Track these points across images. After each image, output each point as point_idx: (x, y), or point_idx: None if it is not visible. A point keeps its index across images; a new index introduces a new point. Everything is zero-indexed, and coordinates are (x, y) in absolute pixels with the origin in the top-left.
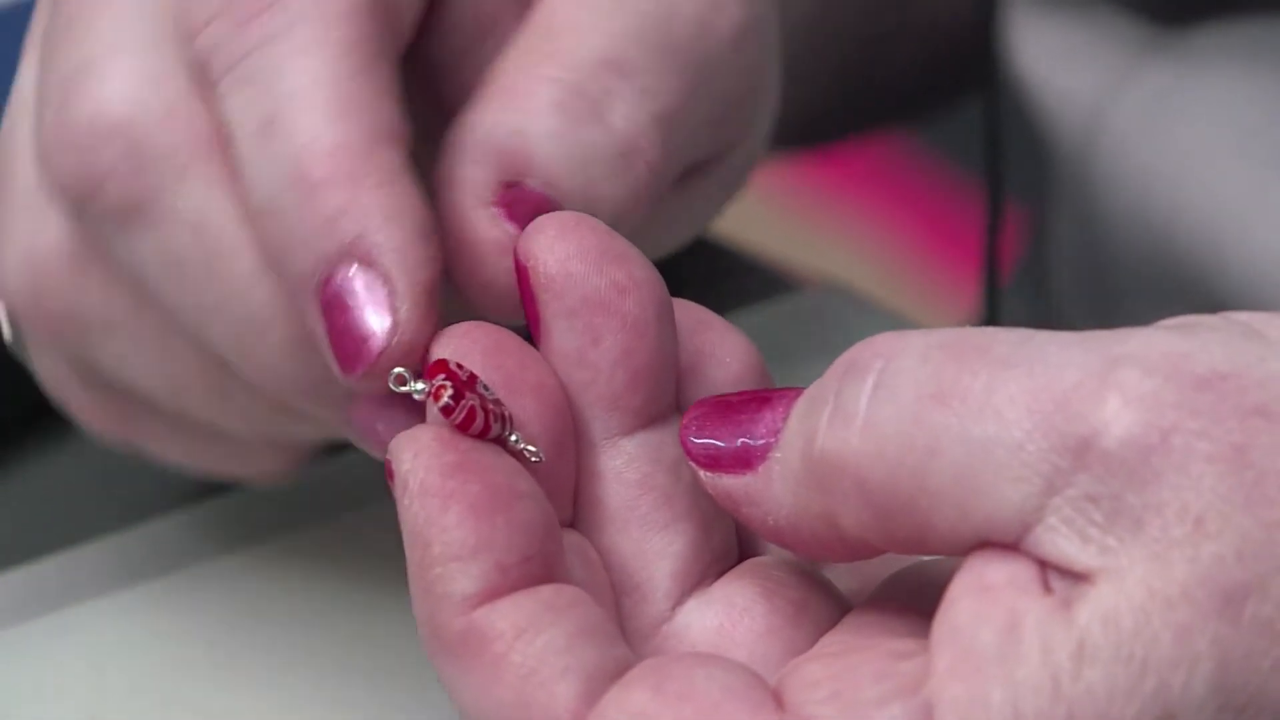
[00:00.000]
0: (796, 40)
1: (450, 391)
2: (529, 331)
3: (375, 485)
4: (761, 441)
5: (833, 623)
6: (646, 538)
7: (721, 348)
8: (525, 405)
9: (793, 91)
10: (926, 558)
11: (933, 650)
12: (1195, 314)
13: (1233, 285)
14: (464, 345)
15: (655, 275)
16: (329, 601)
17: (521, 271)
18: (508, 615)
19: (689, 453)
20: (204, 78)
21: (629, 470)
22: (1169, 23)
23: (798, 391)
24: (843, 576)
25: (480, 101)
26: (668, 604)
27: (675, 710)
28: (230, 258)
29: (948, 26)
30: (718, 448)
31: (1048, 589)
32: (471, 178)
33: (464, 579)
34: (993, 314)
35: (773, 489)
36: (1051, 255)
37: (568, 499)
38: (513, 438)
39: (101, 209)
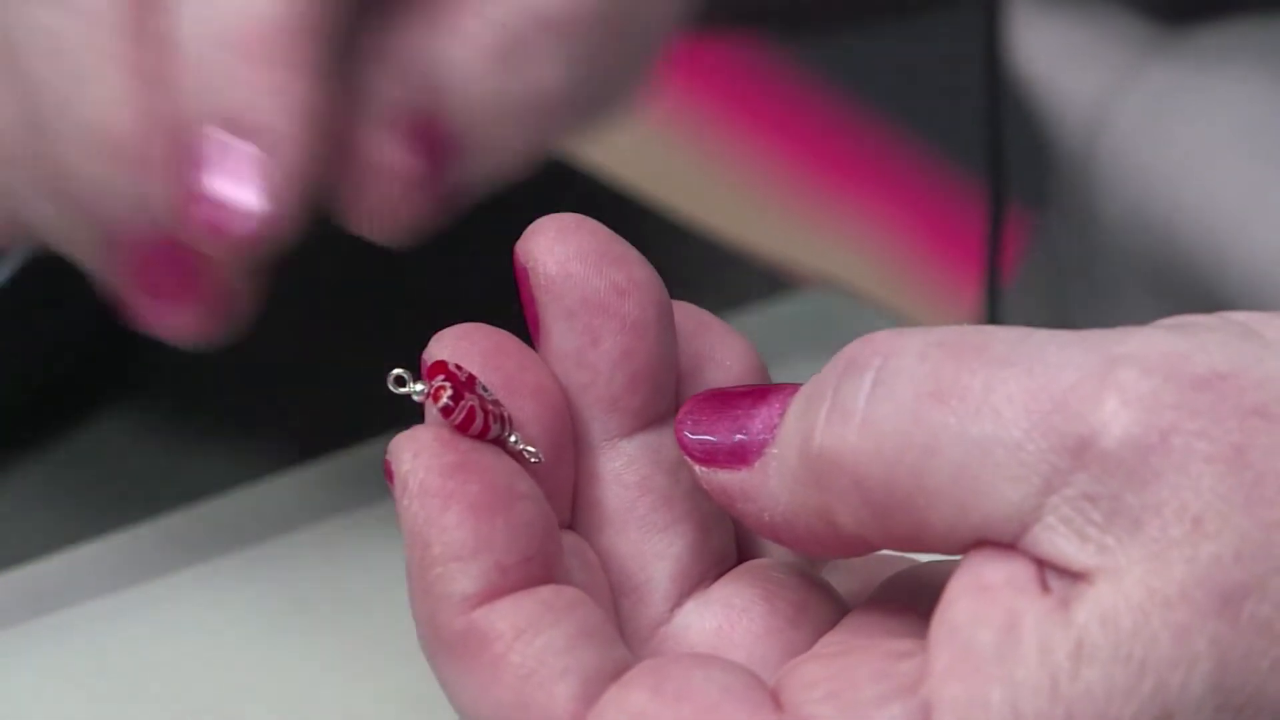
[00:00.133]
0: None
1: (449, 392)
2: (528, 333)
3: (375, 485)
4: (758, 437)
5: (831, 624)
6: (645, 539)
7: (721, 349)
8: (524, 406)
9: None
10: (925, 559)
11: (931, 650)
12: (1195, 311)
13: (1234, 285)
14: (463, 347)
15: (655, 277)
16: (329, 601)
17: (521, 273)
18: (507, 616)
19: (684, 447)
20: None
21: (628, 472)
22: (1171, 22)
23: (794, 388)
24: (841, 578)
25: (414, 12)
26: (666, 605)
27: (674, 711)
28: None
29: None
30: (713, 443)
31: (1046, 589)
32: (386, 95)
33: (464, 579)
34: (993, 313)
35: (769, 485)
36: (1052, 254)
37: (567, 500)
38: (512, 439)
39: None
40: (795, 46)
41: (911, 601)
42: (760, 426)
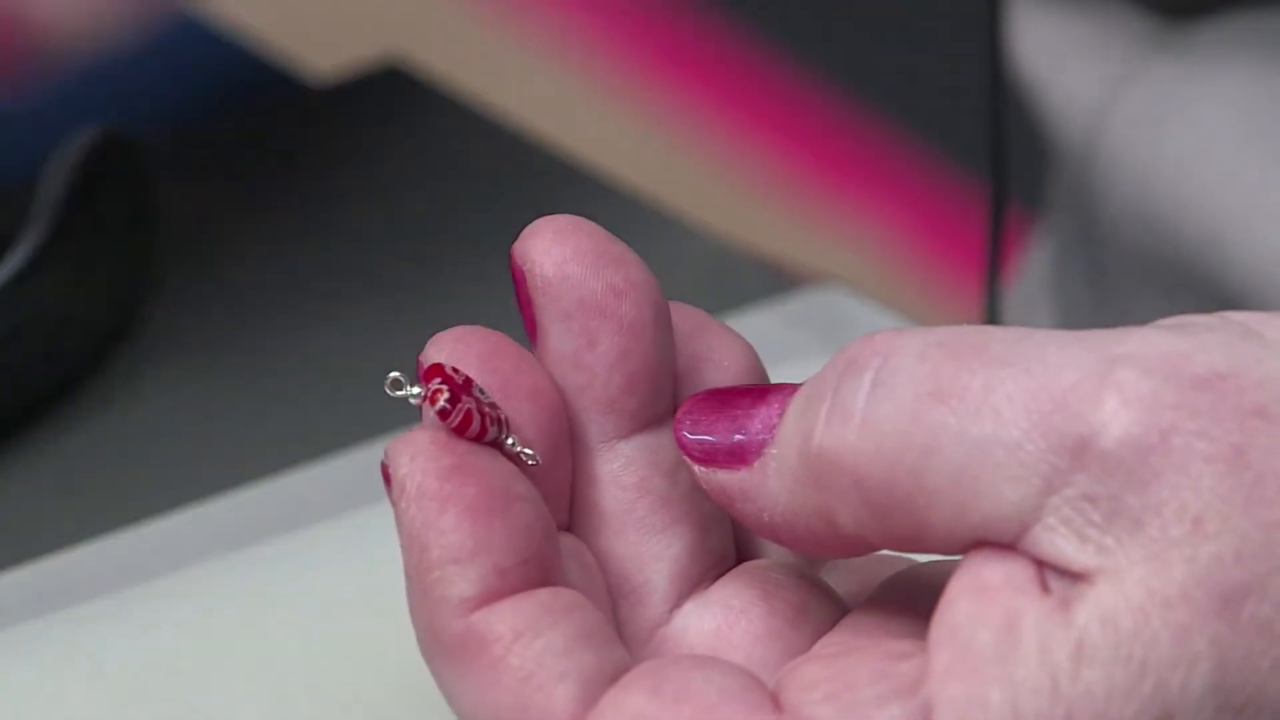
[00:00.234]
0: None
1: (446, 395)
2: (526, 335)
3: (375, 486)
4: (757, 437)
5: (831, 625)
6: (644, 541)
7: (719, 350)
8: (521, 409)
9: None
10: (924, 560)
11: (931, 651)
12: (1198, 310)
13: (1238, 281)
14: (459, 350)
15: (652, 278)
16: (329, 601)
17: (517, 274)
18: (506, 618)
19: (683, 447)
20: None
21: (626, 473)
22: (1173, 18)
23: (793, 388)
24: (840, 578)
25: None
26: (665, 607)
27: (673, 712)
28: None
29: None
30: (712, 443)
31: (1046, 589)
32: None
33: (462, 582)
34: (994, 313)
35: (768, 485)
36: (1055, 252)
37: (564, 502)
38: (509, 441)
39: None
40: (795, 44)
41: (911, 602)
42: (759, 426)
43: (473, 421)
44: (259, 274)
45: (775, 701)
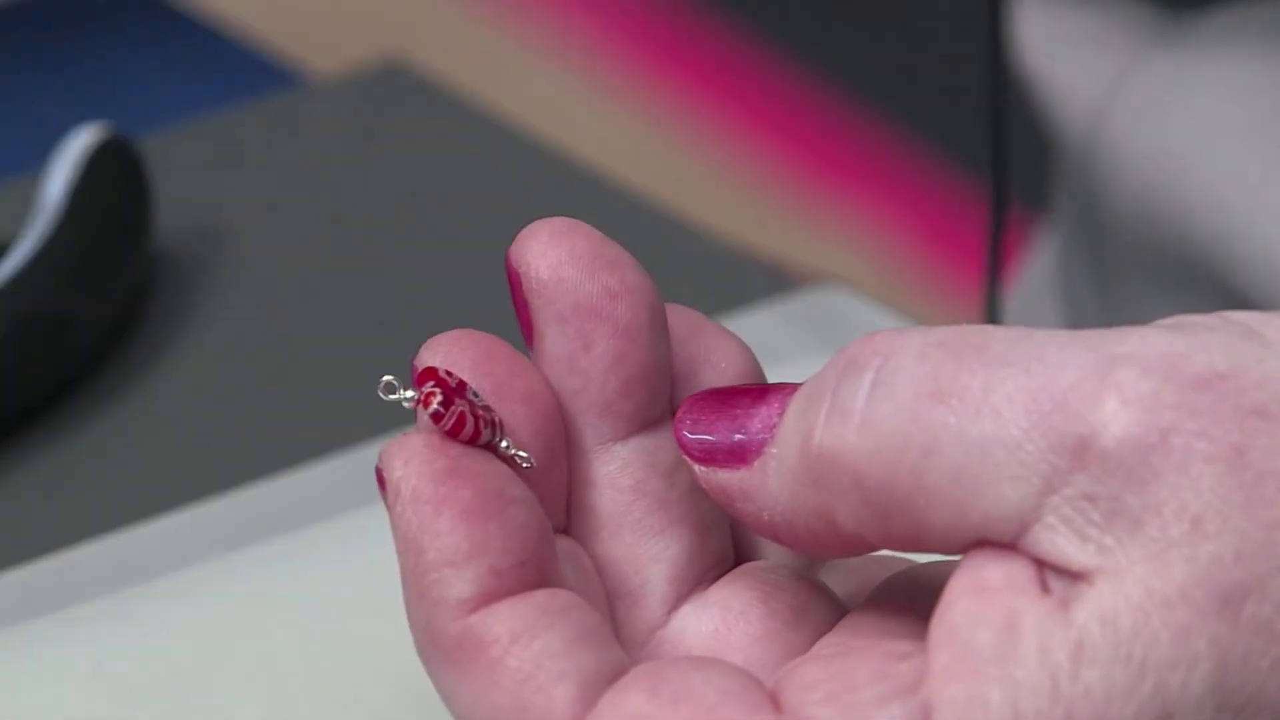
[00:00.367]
0: None
1: (439, 398)
2: (522, 337)
3: (374, 486)
4: (757, 437)
5: (830, 626)
6: (641, 543)
7: (716, 352)
8: (515, 412)
9: None
10: (923, 561)
11: (930, 651)
12: (1202, 305)
13: (1242, 275)
14: (453, 353)
15: (648, 280)
16: (329, 602)
17: (513, 277)
18: (504, 620)
19: (683, 446)
20: None
21: (622, 476)
22: (1175, 10)
23: (793, 387)
24: (839, 579)
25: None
26: (663, 609)
27: (672, 713)
28: None
29: None
30: (712, 442)
31: (1045, 589)
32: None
33: (459, 583)
34: (994, 313)
35: (768, 484)
36: (1059, 248)
37: (561, 505)
38: (503, 444)
39: None
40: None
41: (910, 602)
42: (759, 426)
43: (466, 424)
44: (259, 274)
45: (775, 702)
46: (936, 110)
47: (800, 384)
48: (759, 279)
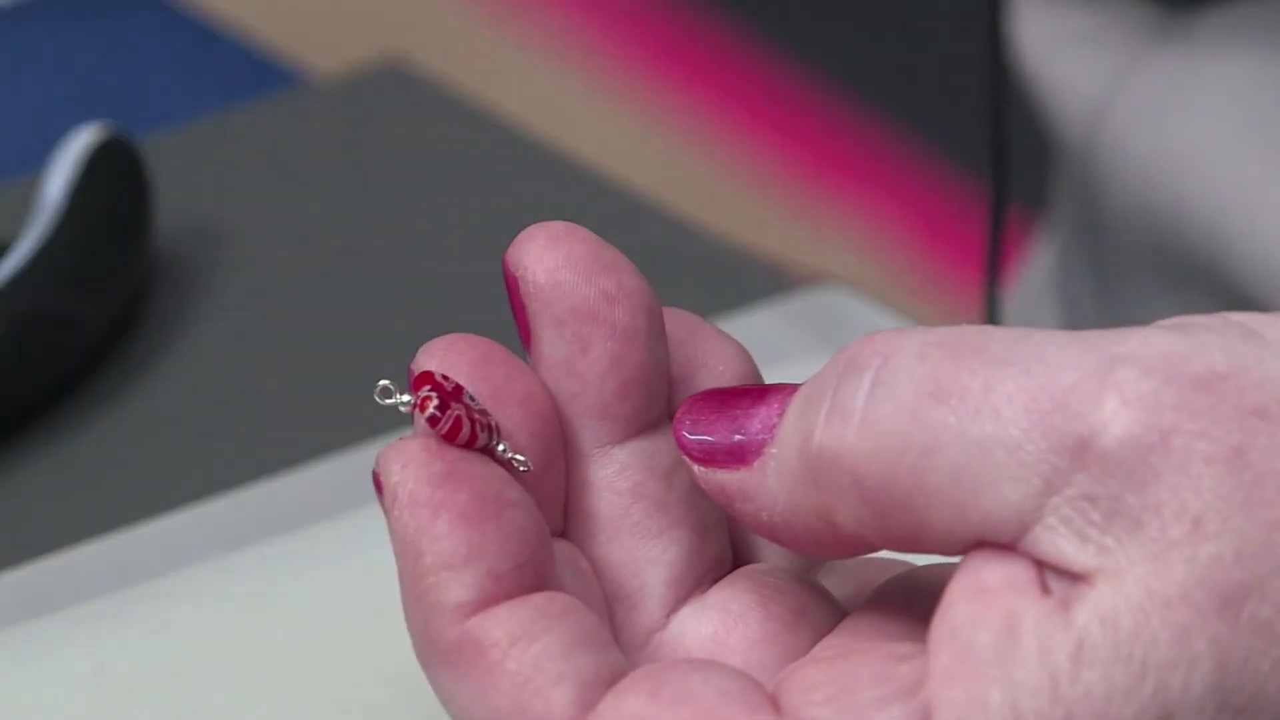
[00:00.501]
0: None
1: (435, 402)
2: (520, 341)
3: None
4: (757, 437)
5: (829, 628)
6: (639, 546)
7: (714, 355)
8: (512, 415)
9: None
10: (922, 563)
11: (930, 652)
12: (1202, 304)
13: (1242, 275)
14: (450, 357)
15: (645, 284)
16: (329, 602)
17: (510, 281)
18: (502, 623)
19: (682, 446)
20: None
21: (620, 479)
22: (1174, 8)
23: (793, 388)
24: (838, 582)
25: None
26: (661, 612)
27: (671, 715)
28: None
29: None
30: (711, 442)
31: (1045, 590)
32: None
33: (457, 587)
34: (995, 312)
35: (767, 485)
36: (1058, 249)
37: (558, 508)
38: (500, 447)
39: None
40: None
41: (909, 604)
42: (759, 426)
43: (462, 428)
44: (259, 274)
45: (774, 704)
46: (936, 110)
47: (800, 384)
48: (759, 279)
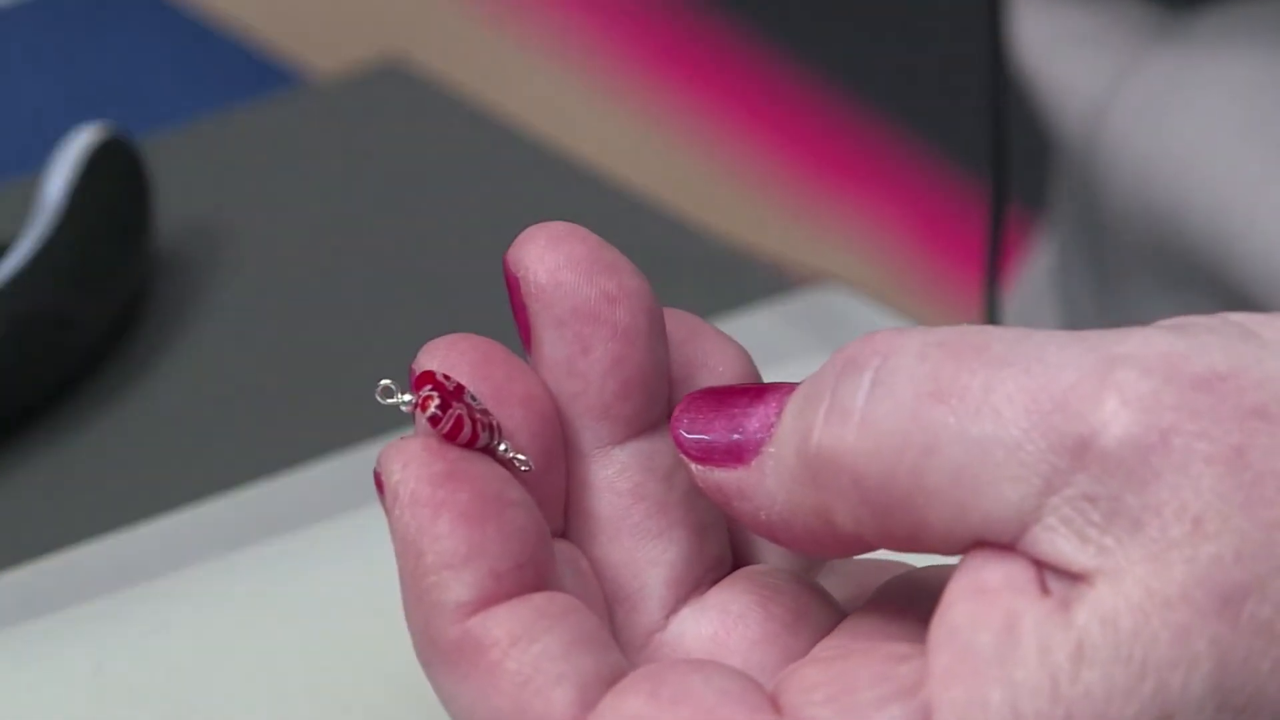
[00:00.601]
0: None
1: (436, 402)
2: (520, 341)
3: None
4: (755, 436)
5: (828, 629)
6: (639, 546)
7: (714, 356)
8: (513, 415)
9: None
10: (922, 564)
11: (930, 652)
12: (1202, 304)
13: (1242, 274)
14: (451, 357)
15: (646, 285)
16: (329, 602)
17: (511, 281)
18: (503, 622)
19: (680, 445)
20: None
21: (621, 479)
22: (1174, 8)
23: (791, 386)
24: (838, 583)
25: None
26: (661, 613)
27: (671, 715)
28: None
29: None
30: (709, 441)
31: (1045, 590)
32: None
33: (458, 586)
34: (994, 312)
35: (766, 484)
36: (1058, 249)
37: (559, 509)
38: (501, 447)
39: None
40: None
41: (909, 605)
42: (757, 425)
43: (463, 427)
44: (259, 274)
45: (774, 704)
46: (936, 110)
47: (797, 383)
48: (759, 279)
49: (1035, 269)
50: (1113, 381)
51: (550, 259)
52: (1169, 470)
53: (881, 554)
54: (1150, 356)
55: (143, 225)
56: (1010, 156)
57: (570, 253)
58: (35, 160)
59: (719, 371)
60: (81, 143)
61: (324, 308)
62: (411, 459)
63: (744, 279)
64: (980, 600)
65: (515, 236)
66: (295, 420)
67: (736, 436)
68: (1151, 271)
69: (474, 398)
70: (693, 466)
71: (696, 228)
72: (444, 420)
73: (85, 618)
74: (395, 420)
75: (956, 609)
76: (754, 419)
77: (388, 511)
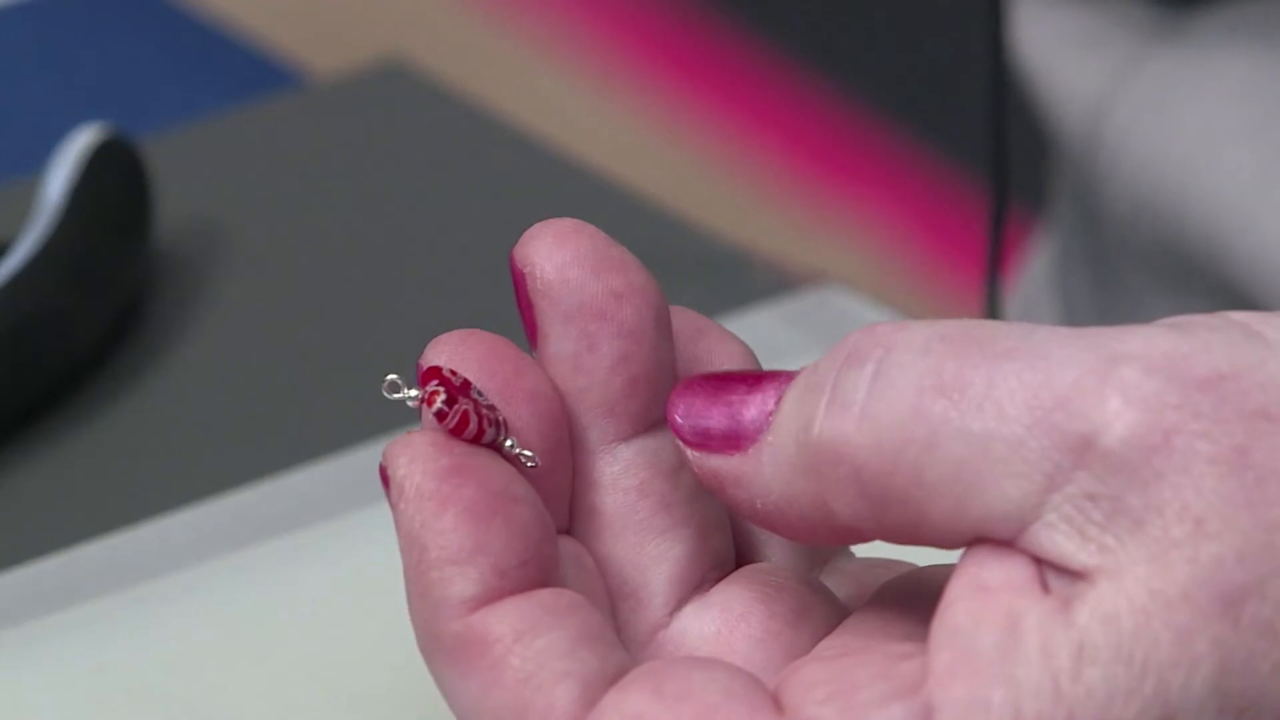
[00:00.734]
0: None
1: (443, 397)
2: (526, 337)
3: (376, 485)
4: (752, 423)
5: (831, 627)
6: (644, 543)
7: (719, 354)
8: (520, 411)
9: None
10: (923, 563)
11: (931, 651)
12: (1201, 304)
13: (1241, 274)
14: (459, 352)
15: (652, 282)
16: (329, 602)
17: (518, 277)
18: (506, 618)
19: (675, 430)
20: None
21: (626, 476)
22: (1174, 8)
23: (789, 375)
24: (840, 582)
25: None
26: (665, 610)
27: (674, 712)
28: None
29: None
30: (706, 427)
31: (1045, 589)
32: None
33: (462, 582)
34: (994, 312)
35: (763, 472)
36: (1058, 249)
37: (564, 505)
38: (508, 443)
39: None
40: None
41: (911, 604)
42: (755, 413)
43: (470, 423)
44: (259, 274)
45: (776, 702)
46: (936, 110)
47: (796, 371)
48: (759, 279)
49: (1035, 269)
50: (1116, 380)
51: (558, 255)
52: (1171, 470)
53: (885, 553)
54: (1153, 355)
55: (143, 225)
56: (1010, 156)
57: (577, 249)
58: (35, 160)
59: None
60: (81, 143)
61: (324, 307)
62: (417, 454)
63: (744, 279)
64: (981, 599)
65: (515, 236)
66: (295, 420)
67: (734, 423)
68: (1151, 271)
69: (480, 393)
70: (688, 452)
71: (696, 228)
72: (450, 415)
73: (85, 618)
74: (396, 421)
75: (957, 607)
76: (752, 407)
77: (393, 506)
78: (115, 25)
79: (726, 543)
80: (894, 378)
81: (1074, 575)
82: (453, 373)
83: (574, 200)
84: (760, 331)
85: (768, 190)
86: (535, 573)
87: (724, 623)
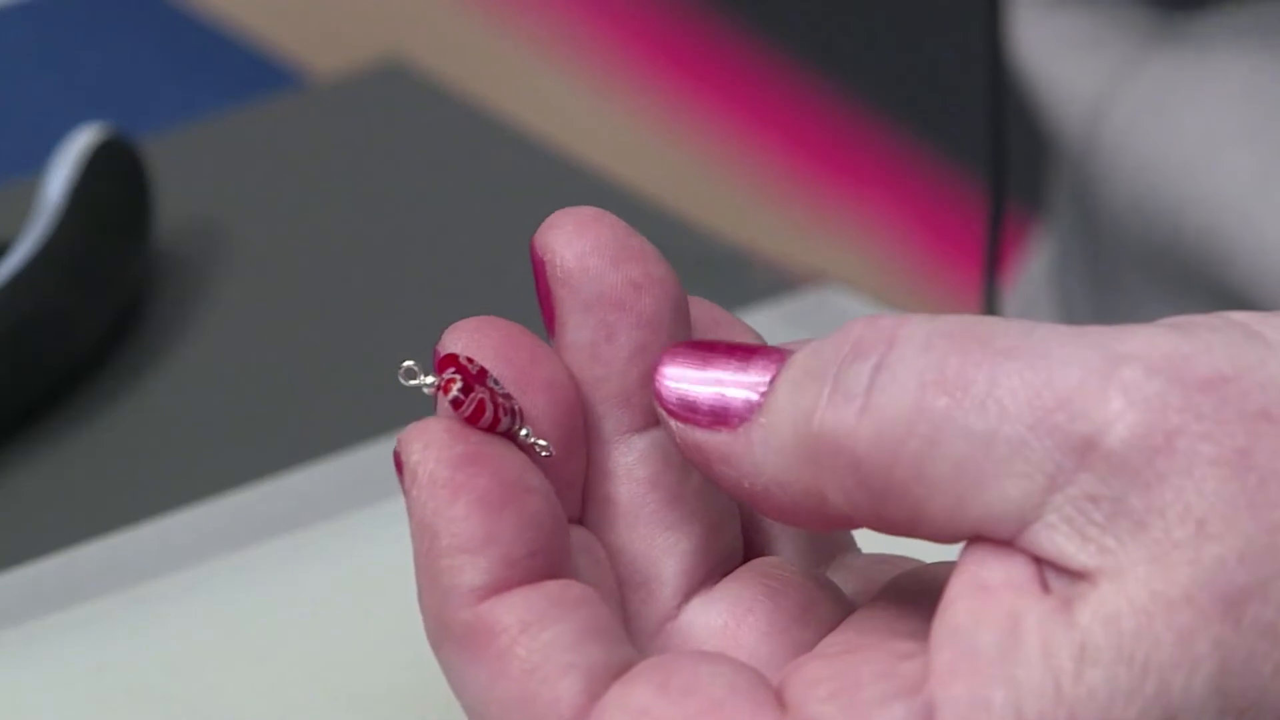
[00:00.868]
0: None
1: (459, 384)
2: (544, 326)
3: (376, 485)
4: (743, 401)
5: (836, 624)
6: (655, 535)
7: None
8: (536, 400)
9: None
10: (928, 560)
11: (932, 650)
12: (1199, 306)
13: (1239, 275)
14: (475, 340)
15: (671, 273)
16: (329, 602)
17: (538, 264)
18: (515, 609)
19: (659, 397)
20: None
21: (640, 467)
22: (1173, 10)
23: (782, 353)
24: (847, 578)
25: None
26: (674, 601)
27: (679, 707)
28: None
29: None
30: (694, 400)
31: (1046, 589)
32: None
33: (471, 571)
34: (994, 311)
35: (753, 453)
36: (1056, 250)
37: (577, 494)
38: (523, 432)
39: None
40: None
41: (916, 601)
42: (746, 391)
43: (485, 411)
44: (259, 273)
45: (779, 698)
46: (936, 110)
47: (786, 348)
48: (759, 279)
49: (1034, 268)
50: (1118, 380)
51: (578, 244)
52: (1173, 472)
53: (891, 549)
54: (1155, 356)
55: (143, 225)
56: (1010, 156)
57: (598, 238)
58: (35, 160)
59: None
60: (81, 143)
61: (324, 307)
62: (432, 440)
63: (744, 279)
64: (981, 598)
65: (515, 236)
66: (295, 420)
67: (723, 397)
68: (1149, 271)
69: (496, 382)
70: (671, 423)
71: (696, 228)
72: (466, 404)
73: (85, 618)
74: (397, 420)
75: (958, 606)
76: (743, 384)
77: (405, 491)
78: (115, 25)
79: (735, 537)
80: (896, 372)
81: (1074, 575)
82: (470, 360)
83: (574, 200)
84: (760, 331)
85: (768, 190)
86: (545, 564)
87: (731, 616)
